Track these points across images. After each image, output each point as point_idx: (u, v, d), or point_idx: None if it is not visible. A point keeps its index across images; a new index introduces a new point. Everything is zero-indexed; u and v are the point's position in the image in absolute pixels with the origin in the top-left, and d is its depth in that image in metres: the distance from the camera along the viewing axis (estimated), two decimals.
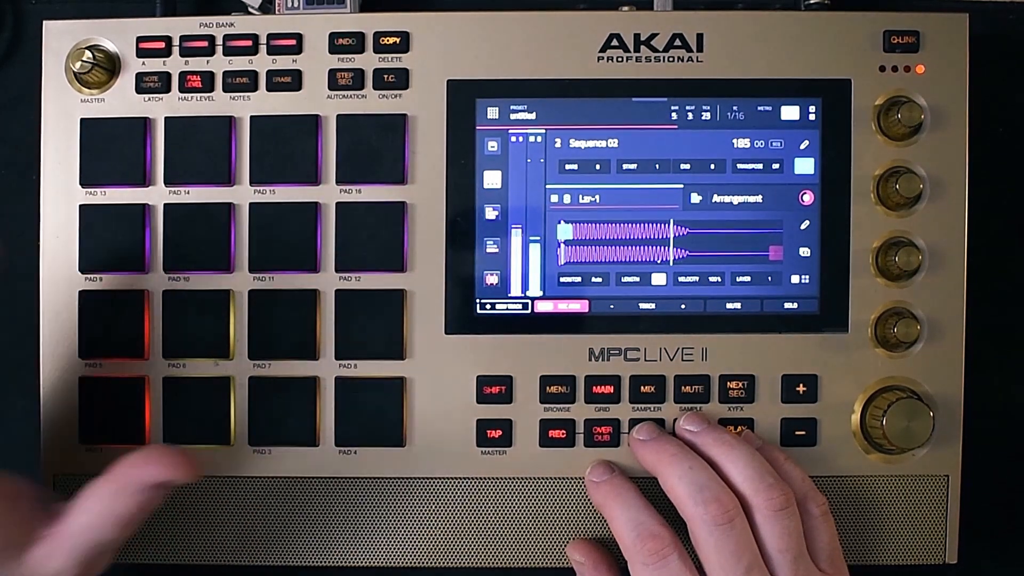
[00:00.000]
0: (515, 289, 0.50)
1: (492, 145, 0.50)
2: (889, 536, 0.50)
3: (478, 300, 0.50)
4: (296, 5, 0.51)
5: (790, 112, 0.49)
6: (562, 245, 0.50)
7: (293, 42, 0.50)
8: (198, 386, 0.50)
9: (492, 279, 0.50)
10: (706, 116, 0.50)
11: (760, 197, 0.50)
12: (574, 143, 0.50)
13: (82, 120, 0.50)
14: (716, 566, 0.43)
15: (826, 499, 0.47)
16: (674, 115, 0.49)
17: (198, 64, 0.50)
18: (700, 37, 0.49)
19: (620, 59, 0.50)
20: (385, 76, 0.50)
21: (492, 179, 0.50)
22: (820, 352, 0.50)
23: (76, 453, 0.50)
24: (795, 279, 0.50)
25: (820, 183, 0.50)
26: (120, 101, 0.50)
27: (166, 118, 0.50)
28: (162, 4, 0.52)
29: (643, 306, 0.50)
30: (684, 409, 0.49)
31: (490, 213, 0.50)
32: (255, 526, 0.50)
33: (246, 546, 0.50)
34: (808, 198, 0.50)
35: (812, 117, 0.49)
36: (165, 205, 0.50)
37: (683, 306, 0.50)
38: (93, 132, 0.50)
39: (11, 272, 0.54)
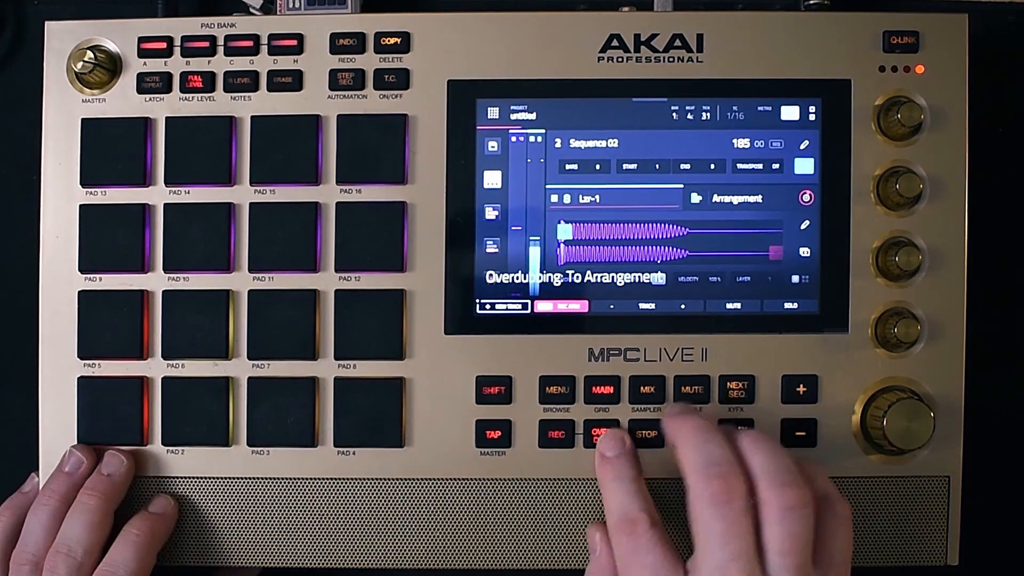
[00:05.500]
0: (515, 289, 0.50)
1: (492, 145, 0.50)
2: (890, 537, 0.50)
3: (478, 300, 0.50)
4: (297, 6, 0.51)
5: (790, 112, 0.50)
6: (562, 245, 0.50)
7: (294, 42, 0.50)
8: (197, 387, 0.50)
9: (492, 279, 0.50)
10: (706, 116, 0.50)
11: (760, 197, 0.50)
12: (574, 143, 0.50)
13: (83, 120, 0.50)
14: (702, 544, 0.42)
15: (851, 509, 0.44)
16: (674, 115, 0.50)
17: (199, 64, 0.50)
18: (700, 37, 0.50)
19: (620, 59, 0.50)
20: (386, 76, 0.50)
21: (492, 179, 0.50)
22: (820, 352, 0.49)
23: None
24: (795, 279, 0.50)
25: (820, 183, 0.50)
26: (121, 101, 0.50)
27: (167, 118, 0.50)
28: (163, 4, 0.53)
29: (643, 306, 0.50)
30: None
31: (490, 213, 0.50)
32: (252, 527, 0.50)
33: (243, 547, 0.50)
34: (808, 198, 0.50)
35: (812, 117, 0.50)
36: (165, 205, 0.50)
37: (683, 306, 0.50)
38: (94, 132, 0.50)
39: (11, 272, 0.54)
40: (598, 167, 0.50)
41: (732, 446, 0.44)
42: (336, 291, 0.50)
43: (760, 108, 0.49)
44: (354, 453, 0.50)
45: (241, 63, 0.50)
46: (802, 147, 0.50)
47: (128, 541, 0.47)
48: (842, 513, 0.44)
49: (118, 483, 0.48)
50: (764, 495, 0.42)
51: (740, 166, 0.50)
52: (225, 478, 0.50)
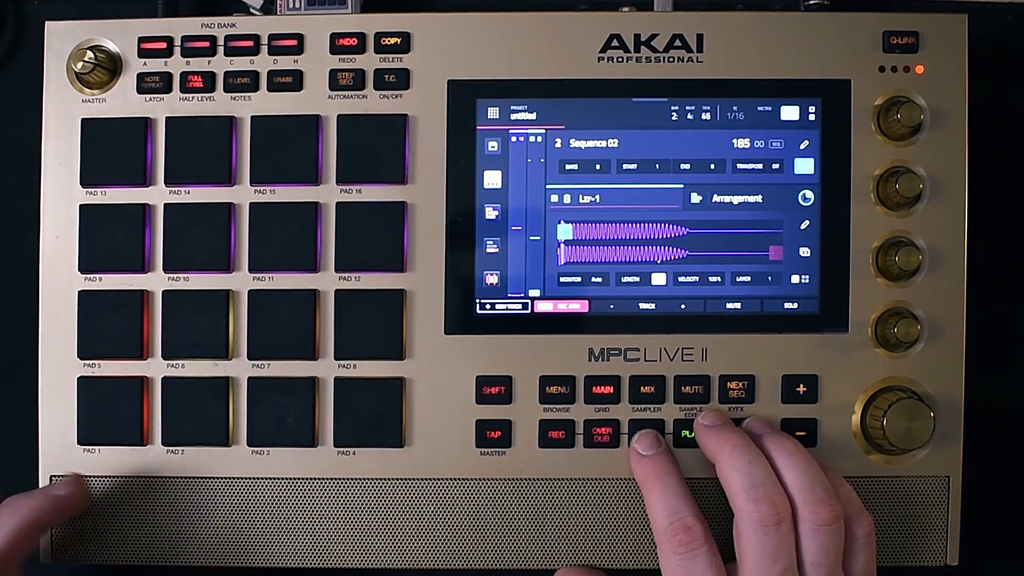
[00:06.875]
0: (515, 289, 0.50)
1: (492, 145, 0.50)
2: (890, 538, 0.50)
3: (478, 300, 0.50)
4: (297, 6, 0.51)
5: (790, 112, 0.50)
6: (562, 245, 0.50)
7: (294, 42, 0.50)
8: (197, 387, 0.50)
9: (492, 279, 0.50)
10: (706, 116, 0.50)
11: (760, 197, 0.50)
12: (574, 143, 0.50)
13: (83, 120, 0.50)
14: (751, 563, 0.44)
15: (872, 521, 0.46)
16: (674, 115, 0.50)
17: (199, 64, 0.50)
18: (700, 37, 0.50)
19: (620, 59, 0.50)
20: (386, 76, 0.50)
21: (492, 179, 0.50)
22: (820, 352, 0.49)
23: (74, 454, 0.50)
24: (795, 279, 0.50)
25: (820, 183, 0.50)
26: (121, 101, 0.50)
27: (167, 118, 0.50)
28: (164, 4, 0.53)
29: (643, 306, 0.50)
30: (684, 409, 0.49)
31: (490, 213, 0.50)
32: (252, 527, 0.50)
33: (244, 547, 0.50)
34: (808, 198, 0.50)
35: (812, 117, 0.50)
36: (165, 205, 0.50)
37: (683, 306, 0.50)
38: (94, 132, 0.50)
39: (11, 272, 0.54)
40: (598, 167, 0.50)
41: (767, 456, 0.46)
42: (336, 291, 0.50)
43: (760, 108, 0.49)
44: (354, 453, 0.50)
45: (241, 63, 0.50)
46: (802, 147, 0.50)
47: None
48: (864, 531, 0.46)
49: (61, 503, 0.48)
50: (800, 512, 0.45)
51: (740, 166, 0.50)
52: (225, 478, 0.50)
